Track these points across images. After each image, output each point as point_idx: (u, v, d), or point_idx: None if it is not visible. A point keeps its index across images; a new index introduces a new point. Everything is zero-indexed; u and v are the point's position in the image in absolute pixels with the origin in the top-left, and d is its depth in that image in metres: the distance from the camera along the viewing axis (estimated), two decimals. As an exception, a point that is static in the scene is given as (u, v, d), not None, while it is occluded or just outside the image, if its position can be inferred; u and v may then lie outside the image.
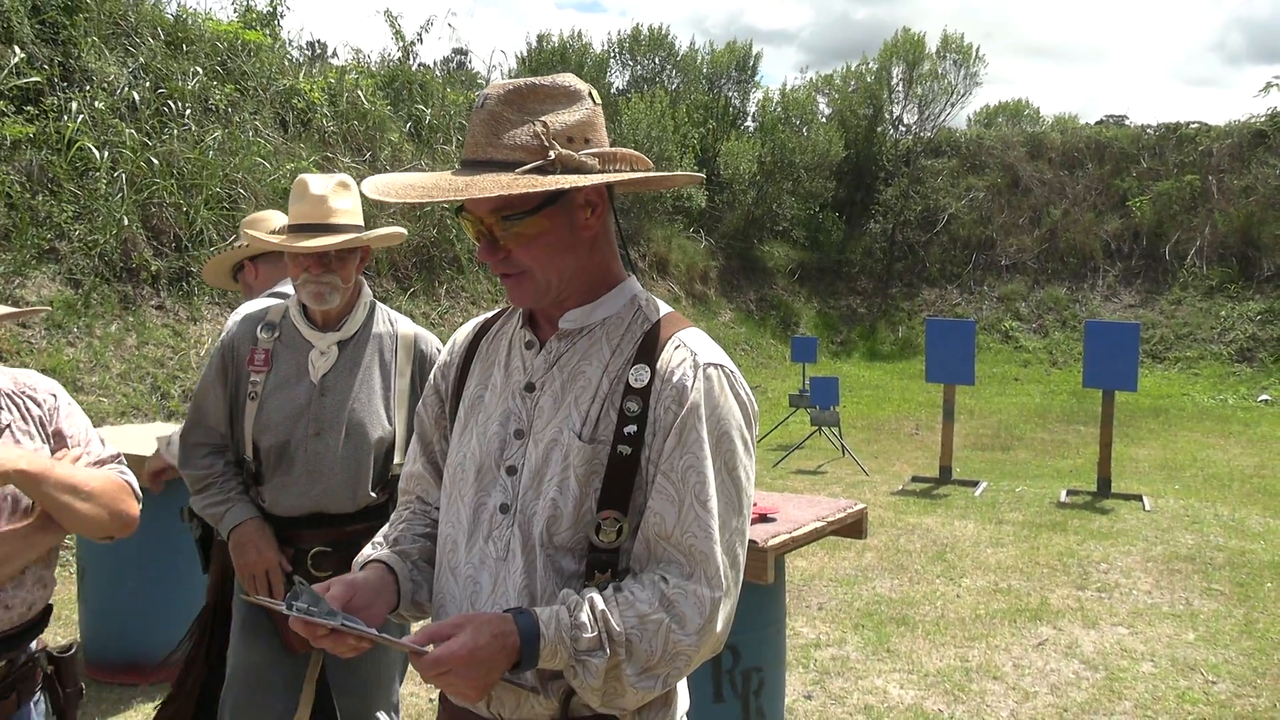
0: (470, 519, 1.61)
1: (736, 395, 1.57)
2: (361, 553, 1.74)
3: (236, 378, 2.78)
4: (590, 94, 1.56)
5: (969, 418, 12.84)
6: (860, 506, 3.60)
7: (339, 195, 2.76)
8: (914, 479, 9.23)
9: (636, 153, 1.57)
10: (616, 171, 1.54)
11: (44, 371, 7.10)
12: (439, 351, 2.93)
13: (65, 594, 5.52)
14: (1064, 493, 8.52)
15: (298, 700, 2.86)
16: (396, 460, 2.81)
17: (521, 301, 1.62)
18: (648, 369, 1.55)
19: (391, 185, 1.53)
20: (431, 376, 1.82)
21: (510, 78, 1.50)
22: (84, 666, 4.61)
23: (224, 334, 2.86)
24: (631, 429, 1.52)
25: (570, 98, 1.54)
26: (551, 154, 1.48)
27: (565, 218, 1.54)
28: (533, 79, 1.53)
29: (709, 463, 1.50)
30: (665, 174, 1.60)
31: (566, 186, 1.46)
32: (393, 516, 1.84)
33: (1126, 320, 14.90)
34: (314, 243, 2.64)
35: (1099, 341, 8.69)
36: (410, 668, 3.02)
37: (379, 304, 2.91)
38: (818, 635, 5.20)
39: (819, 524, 3.38)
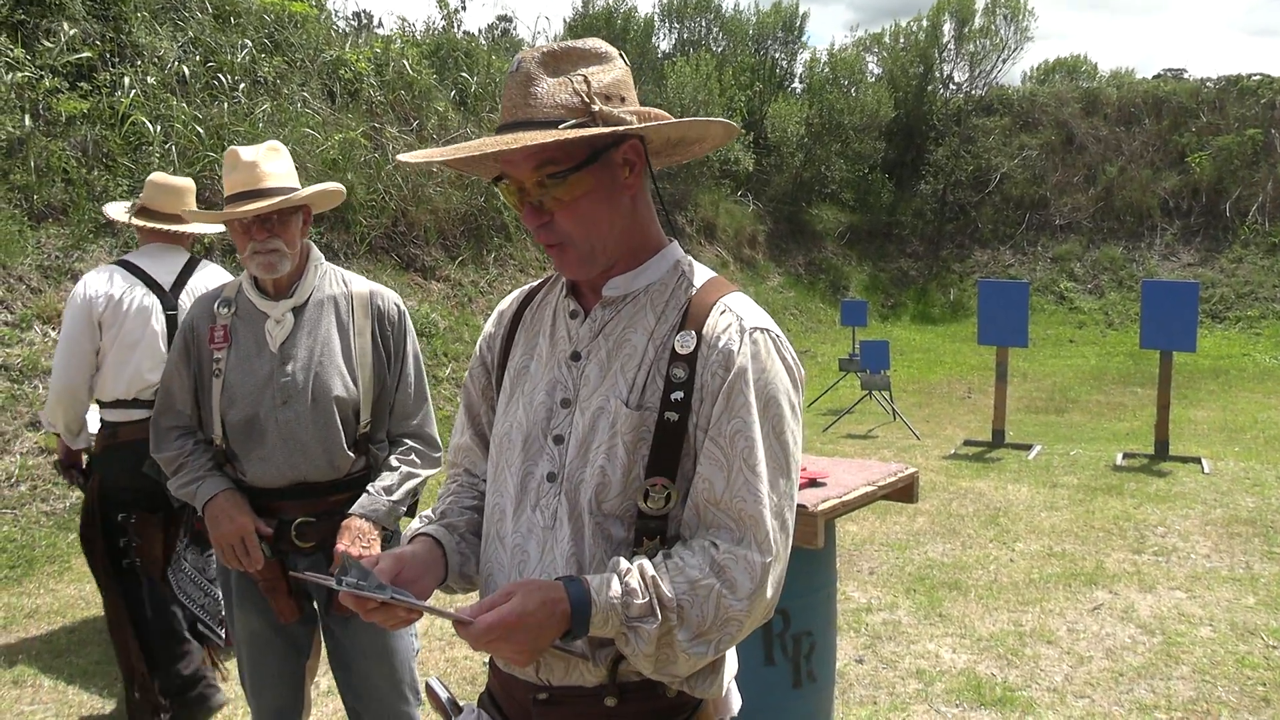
0: (518, 488, 1.61)
1: (783, 359, 1.56)
2: (410, 526, 1.74)
3: (199, 358, 2.77)
4: (621, 55, 1.57)
5: (1022, 380, 12.69)
6: (911, 471, 3.57)
7: (269, 160, 2.75)
8: (966, 443, 9.15)
9: (666, 113, 1.57)
10: (656, 121, 1.54)
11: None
12: (396, 307, 2.91)
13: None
14: (1120, 455, 8.40)
15: (308, 653, 2.90)
16: (362, 420, 2.79)
17: (569, 271, 1.61)
18: (693, 335, 1.54)
19: (435, 150, 1.53)
20: (477, 348, 1.82)
21: (551, 44, 1.51)
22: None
23: (183, 318, 2.89)
24: (678, 395, 1.52)
25: (602, 58, 1.54)
26: (595, 108, 1.48)
27: (607, 175, 1.53)
28: (564, 42, 1.53)
29: (757, 427, 1.50)
30: (701, 119, 1.58)
31: (622, 130, 1.46)
32: (440, 489, 1.84)
33: (1185, 279, 14.60)
34: (251, 207, 2.65)
35: (1157, 301, 8.53)
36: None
37: (330, 265, 2.91)
38: (869, 600, 5.19)
39: (869, 488, 3.36)
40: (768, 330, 1.56)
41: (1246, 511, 6.70)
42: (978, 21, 21.13)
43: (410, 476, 2.83)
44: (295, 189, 2.77)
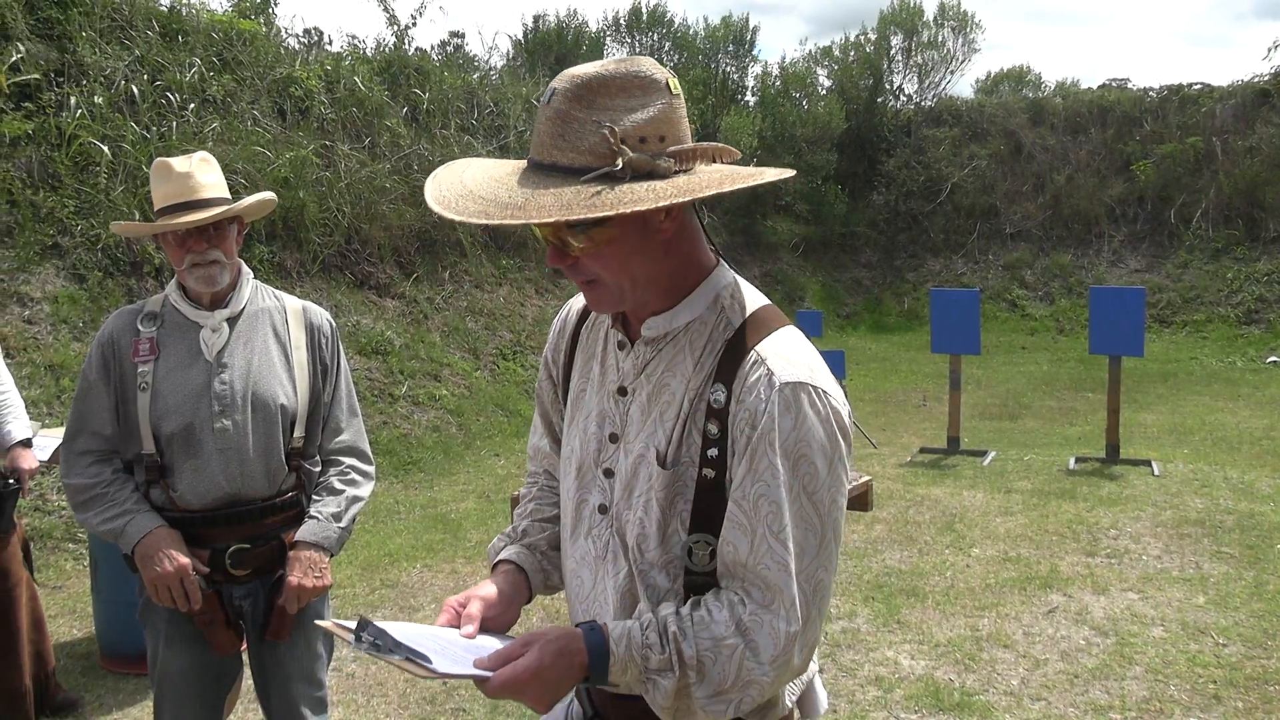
0: (573, 514, 1.64)
1: (817, 413, 1.45)
2: (492, 545, 1.78)
3: (120, 372, 2.66)
4: (668, 84, 1.43)
5: (976, 387, 12.83)
6: (865, 479, 3.61)
7: (203, 170, 2.70)
8: (922, 450, 9.24)
9: (721, 145, 1.45)
10: (687, 173, 1.42)
11: (50, 368, 7.14)
12: (328, 322, 2.89)
13: (79, 587, 5.57)
14: (1073, 460, 8.52)
15: (230, 686, 2.83)
16: (295, 434, 2.73)
17: (600, 308, 1.56)
18: (724, 389, 1.48)
19: (450, 196, 1.41)
20: (544, 356, 1.82)
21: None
22: (99, 658, 4.66)
23: (100, 332, 2.75)
24: (714, 452, 1.48)
25: (644, 90, 1.41)
26: (620, 161, 1.36)
27: (637, 223, 1.44)
28: (603, 70, 1.40)
29: (784, 491, 1.43)
30: (754, 179, 1.43)
31: (628, 210, 1.33)
32: (523, 489, 1.86)
33: (1133, 285, 14.84)
34: (192, 217, 2.60)
35: (1104, 307, 8.66)
36: (331, 656, 2.99)
37: (258, 282, 2.88)
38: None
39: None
40: (801, 383, 1.46)
41: (1195, 512, 6.82)
42: (925, 34, 21.43)
43: (355, 500, 2.79)
44: (228, 199, 2.73)
